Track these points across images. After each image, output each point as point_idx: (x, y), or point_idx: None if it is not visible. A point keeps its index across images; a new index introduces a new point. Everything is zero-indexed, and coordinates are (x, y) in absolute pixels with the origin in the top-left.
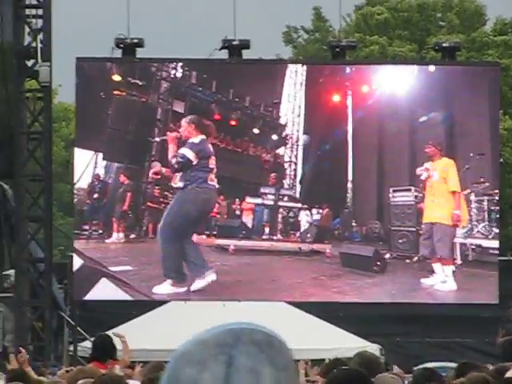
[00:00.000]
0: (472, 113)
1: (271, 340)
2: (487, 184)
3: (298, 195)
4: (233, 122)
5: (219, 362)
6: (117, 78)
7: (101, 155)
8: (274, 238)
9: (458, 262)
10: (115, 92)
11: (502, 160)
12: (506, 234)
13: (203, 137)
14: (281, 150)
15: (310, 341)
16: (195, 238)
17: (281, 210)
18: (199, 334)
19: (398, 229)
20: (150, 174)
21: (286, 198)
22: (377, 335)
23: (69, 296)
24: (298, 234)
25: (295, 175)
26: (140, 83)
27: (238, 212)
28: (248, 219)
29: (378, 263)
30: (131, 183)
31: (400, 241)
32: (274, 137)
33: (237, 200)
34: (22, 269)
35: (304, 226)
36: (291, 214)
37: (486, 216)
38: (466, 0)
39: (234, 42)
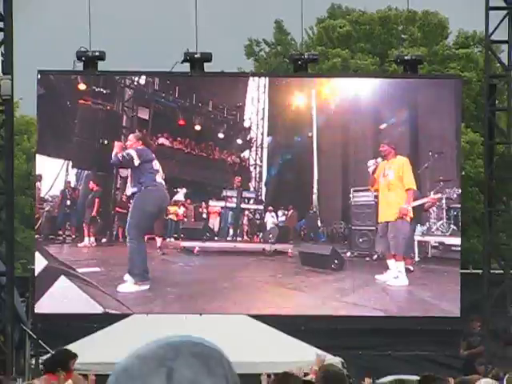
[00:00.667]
0: (434, 119)
1: (211, 352)
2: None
3: (263, 197)
4: (197, 127)
5: (160, 376)
6: (82, 86)
7: (71, 163)
8: (239, 239)
9: (416, 259)
10: (80, 101)
11: (463, 173)
12: (468, 248)
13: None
14: (246, 153)
15: (271, 354)
16: (159, 241)
17: (246, 212)
18: (139, 349)
19: (359, 228)
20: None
21: (251, 201)
22: (338, 348)
23: (30, 309)
24: (261, 235)
25: (260, 178)
26: (104, 91)
27: (204, 215)
28: (215, 222)
29: (336, 261)
30: (100, 189)
31: (360, 240)
32: (239, 140)
33: (203, 203)
34: None
35: (269, 227)
36: (257, 216)
37: (445, 214)
38: (430, 13)
39: (196, 55)
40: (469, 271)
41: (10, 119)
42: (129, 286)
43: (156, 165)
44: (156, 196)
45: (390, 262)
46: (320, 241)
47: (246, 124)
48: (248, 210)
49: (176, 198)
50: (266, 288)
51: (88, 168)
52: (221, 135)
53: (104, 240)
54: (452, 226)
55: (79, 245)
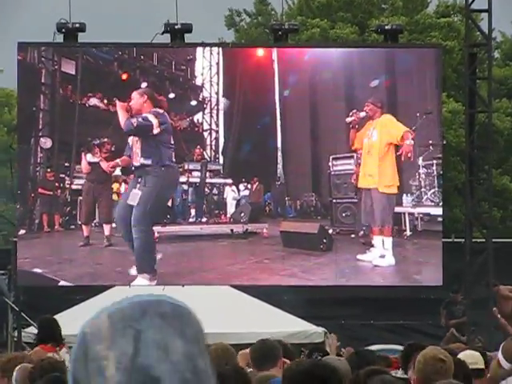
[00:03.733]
0: (414, 87)
1: (180, 311)
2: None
3: (220, 169)
4: (143, 85)
5: (127, 338)
6: None
7: None
8: (203, 220)
9: (408, 233)
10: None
11: (445, 142)
12: (450, 217)
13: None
14: (198, 117)
15: (254, 324)
16: (107, 228)
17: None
18: (106, 308)
19: (341, 201)
20: (105, 168)
21: (208, 174)
22: (321, 318)
23: (12, 282)
24: (228, 214)
25: (217, 145)
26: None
27: None
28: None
29: (324, 240)
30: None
31: (343, 214)
32: (192, 102)
33: None
34: None
35: (230, 203)
36: (215, 191)
37: (436, 182)
38: None
39: (176, 26)
40: (451, 240)
41: None
42: (142, 281)
43: (172, 141)
44: (173, 180)
45: (377, 239)
46: (288, 217)
47: (198, 82)
48: (207, 184)
49: (115, 172)
50: (257, 277)
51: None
52: (171, 95)
53: (22, 232)
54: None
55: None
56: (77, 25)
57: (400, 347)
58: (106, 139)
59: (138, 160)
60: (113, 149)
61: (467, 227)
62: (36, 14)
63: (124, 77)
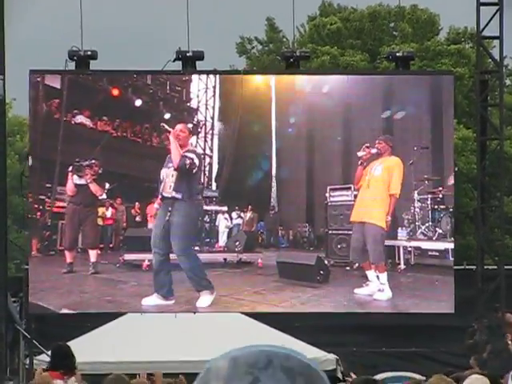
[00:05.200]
0: (425, 115)
1: (308, 370)
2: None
3: (214, 195)
4: (137, 103)
5: (243, 382)
6: None
7: None
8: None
9: (402, 267)
10: None
11: (456, 169)
12: (462, 244)
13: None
14: (192, 140)
15: None
16: (93, 254)
17: None
18: (233, 350)
19: (336, 232)
20: (94, 190)
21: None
22: (333, 345)
23: (24, 309)
24: (221, 243)
25: (210, 171)
26: None
27: (138, 218)
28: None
29: (321, 272)
30: None
31: (338, 246)
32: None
33: (136, 204)
34: None
35: (222, 232)
36: (207, 219)
37: (430, 216)
38: (418, 9)
39: (188, 54)
40: (462, 267)
41: (2, 120)
42: (206, 298)
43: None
44: (199, 211)
45: (370, 273)
46: (281, 247)
47: (194, 104)
48: (205, 212)
49: (102, 196)
50: (256, 308)
51: None
52: (167, 115)
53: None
54: (438, 229)
55: None
56: (88, 52)
57: (410, 374)
58: (93, 160)
59: (169, 192)
60: (100, 171)
61: (479, 254)
62: (48, 41)
63: (115, 93)
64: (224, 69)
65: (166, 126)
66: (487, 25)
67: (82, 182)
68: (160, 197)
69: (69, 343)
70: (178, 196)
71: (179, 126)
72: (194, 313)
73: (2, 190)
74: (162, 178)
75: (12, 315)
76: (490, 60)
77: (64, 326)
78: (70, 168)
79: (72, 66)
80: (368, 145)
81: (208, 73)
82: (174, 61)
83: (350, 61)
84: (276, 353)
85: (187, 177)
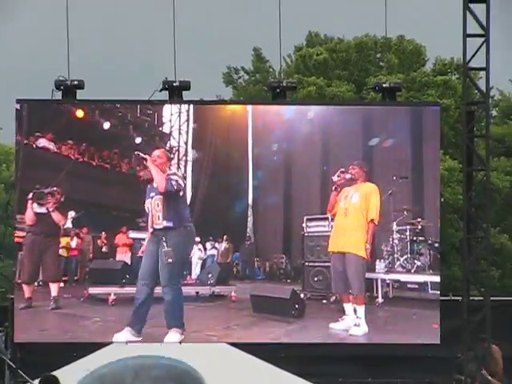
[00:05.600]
0: (410, 146)
1: (175, 372)
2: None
3: None
4: (105, 126)
5: None
6: None
7: None
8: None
9: (380, 300)
10: None
11: (442, 200)
12: (448, 275)
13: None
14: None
15: (252, 383)
16: (54, 288)
17: None
18: (100, 368)
19: (313, 264)
20: (57, 220)
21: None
22: (318, 376)
23: (9, 339)
24: (193, 276)
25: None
26: None
27: (105, 249)
28: (125, 258)
29: (296, 306)
30: None
31: (315, 278)
32: (156, 151)
33: (103, 234)
34: None
35: (195, 263)
36: None
37: (409, 247)
38: (405, 40)
39: (175, 84)
40: (448, 298)
41: None
42: (175, 336)
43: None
44: (191, 238)
45: (347, 306)
46: (257, 279)
47: (166, 129)
48: None
49: (66, 224)
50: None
51: None
52: (138, 140)
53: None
54: (416, 261)
55: None
56: (75, 82)
57: None
58: (55, 188)
59: (160, 223)
60: (62, 199)
61: (465, 285)
62: (33, 71)
63: (79, 114)
64: (210, 99)
65: (142, 154)
66: (473, 56)
67: (43, 210)
68: (151, 230)
69: (56, 372)
70: (170, 224)
71: (157, 152)
72: (180, 343)
73: None
74: (147, 210)
75: None
76: (476, 91)
77: (49, 356)
78: (30, 195)
79: (59, 95)
80: (343, 170)
81: (195, 103)
82: (160, 91)
83: (336, 91)
84: (142, 365)
85: (174, 202)
